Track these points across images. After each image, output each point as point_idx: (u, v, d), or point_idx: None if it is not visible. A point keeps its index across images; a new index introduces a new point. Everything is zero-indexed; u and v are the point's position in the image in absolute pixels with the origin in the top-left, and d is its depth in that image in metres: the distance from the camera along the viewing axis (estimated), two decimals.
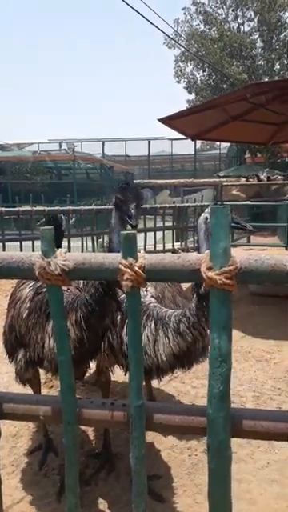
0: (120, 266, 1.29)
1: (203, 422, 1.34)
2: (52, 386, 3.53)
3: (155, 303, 2.37)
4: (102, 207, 9.48)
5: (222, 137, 9.84)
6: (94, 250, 8.59)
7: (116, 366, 2.54)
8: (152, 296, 2.46)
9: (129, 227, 1.99)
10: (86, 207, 9.17)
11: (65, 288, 2.18)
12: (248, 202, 8.60)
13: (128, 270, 1.28)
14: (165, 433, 2.50)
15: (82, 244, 8.80)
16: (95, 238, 9.16)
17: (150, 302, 2.35)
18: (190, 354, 2.12)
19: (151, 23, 6.39)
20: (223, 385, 1.27)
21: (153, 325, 2.17)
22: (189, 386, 3.64)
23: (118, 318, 2.23)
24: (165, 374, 2.24)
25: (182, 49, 22.34)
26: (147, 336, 2.15)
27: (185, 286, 3.07)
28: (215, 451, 1.32)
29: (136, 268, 1.28)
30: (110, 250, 2.01)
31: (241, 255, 1.29)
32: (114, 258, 1.33)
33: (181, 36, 23.04)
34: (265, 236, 7.77)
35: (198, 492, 2.42)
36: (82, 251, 8.27)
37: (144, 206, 9.41)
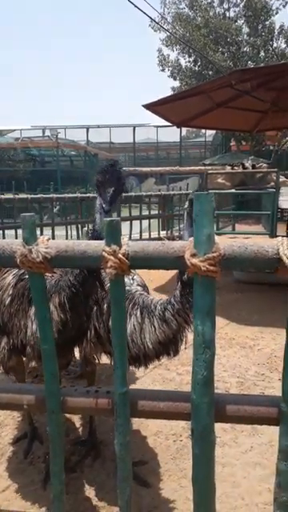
0: (103, 253, 1.29)
1: (187, 407, 1.36)
2: (37, 376, 3.52)
3: (141, 291, 2.38)
4: (87, 195, 9.38)
5: (208, 124, 9.81)
6: (78, 239, 8.53)
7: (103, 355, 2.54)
8: (138, 284, 2.46)
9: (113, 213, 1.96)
10: (71, 195, 9.06)
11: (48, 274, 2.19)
12: (233, 191, 8.65)
13: (111, 258, 1.28)
14: (150, 419, 2.53)
15: (67, 232, 8.72)
16: (80, 226, 9.08)
17: (136, 290, 2.35)
18: (175, 341, 2.14)
19: (135, 5, 6.23)
20: (207, 371, 1.28)
21: (138, 313, 2.18)
22: (174, 373, 3.68)
23: (105, 306, 2.23)
24: (151, 361, 2.25)
25: (167, 33, 22.04)
26: (133, 324, 2.16)
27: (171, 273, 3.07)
28: (199, 436, 1.34)
29: (120, 255, 1.28)
30: (94, 236, 1.98)
31: (224, 242, 1.29)
32: (98, 246, 1.32)
33: (166, 19, 22.71)
34: (249, 224, 7.84)
35: (183, 476, 2.47)
36: (67, 240, 8.19)
37: (128, 193, 9.40)
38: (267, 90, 7.37)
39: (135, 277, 2.53)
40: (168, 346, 2.15)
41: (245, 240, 1.41)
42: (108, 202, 1.91)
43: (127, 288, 2.27)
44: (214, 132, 25.06)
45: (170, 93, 23.46)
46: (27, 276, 2.08)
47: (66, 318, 1.96)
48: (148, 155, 30.57)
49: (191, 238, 1.29)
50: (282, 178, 8.17)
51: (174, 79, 24.81)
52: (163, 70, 24.86)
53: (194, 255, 1.24)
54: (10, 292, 2.21)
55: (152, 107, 7.60)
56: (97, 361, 2.64)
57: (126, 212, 9.44)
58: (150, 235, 9.36)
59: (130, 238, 8.37)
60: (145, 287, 2.56)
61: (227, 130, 14.87)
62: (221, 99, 7.62)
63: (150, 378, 3.59)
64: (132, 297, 2.26)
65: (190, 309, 1.95)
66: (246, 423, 1.53)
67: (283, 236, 2.22)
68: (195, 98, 7.34)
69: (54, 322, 1.92)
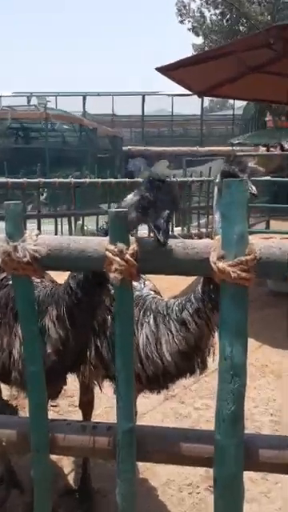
0: (107, 252, 1.29)
1: (209, 450, 1.36)
2: (17, 406, 3.54)
3: (154, 295, 2.39)
4: (83, 180, 9.42)
5: (237, 93, 9.81)
6: (70, 236, 8.56)
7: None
8: (151, 289, 2.49)
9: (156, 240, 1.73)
10: (62, 180, 9.11)
11: (37, 280, 2.19)
12: (268, 178, 8.63)
13: (117, 259, 1.28)
14: (160, 464, 2.53)
15: (56, 227, 8.77)
16: (73, 219, 9.12)
17: (147, 294, 2.36)
18: (198, 350, 2.15)
19: None
20: (235, 404, 1.28)
21: (151, 320, 2.20)
22: (190, 407, 3.67)
23: (109, 318, 2.25)
24: (173, 381, 2.26)
25: None
26: (146, 335, 2.17)
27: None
28: (223, 488, 1.34)
29: (127, 256, 1.28)
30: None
31: (260, 243, 1.30)
32: (100, 243, 1.33)
33: None
34: None
35: None
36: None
37: (134, 178, 9.34)
38: None
39: (146, 282, 2.55)
40: (191, 358, 2.16)
41: (283, 241, 1.41)
42: (165, 231, 1.59)
43: (137, 293, 2.29)
44: (244, 103, 25.00)
45: (190, 53, 23.51)
46: (10, 282, 2.10)
47: (67, 335, 1.96)
48: (160, 131, 30.64)
49: (218, 236, 1.29)
50: None
51: (197, 35, 24.82)
52: (182, 22, 24.86)
53: (221, 258, 1.24)
54: None
55: (168, 71, 7.64)
56: (98, 387, 2.64)
57: None
58: None
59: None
60: (158, 295, 2.57)
61: (262, 100, 14.82)
62: (255, 62, 7.62)
63: (160, 413, 3.59)
64: (143, 302, 2.27)
65: (213, 309, 1.96)
66: (283, 473, 1.52)
67: None
68: (222, 61, 7.35)
69: (52, 340, 1.92)
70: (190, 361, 2.16)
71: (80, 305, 1.87)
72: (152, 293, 2.42)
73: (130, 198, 1.76)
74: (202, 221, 10.41)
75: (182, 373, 2.20)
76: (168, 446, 1.44)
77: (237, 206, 1.24)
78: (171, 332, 2.12)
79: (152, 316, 2.20)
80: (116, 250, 1.29)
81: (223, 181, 1.30)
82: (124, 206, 1.75)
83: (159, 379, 2.20)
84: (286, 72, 8.05)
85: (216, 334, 2.02)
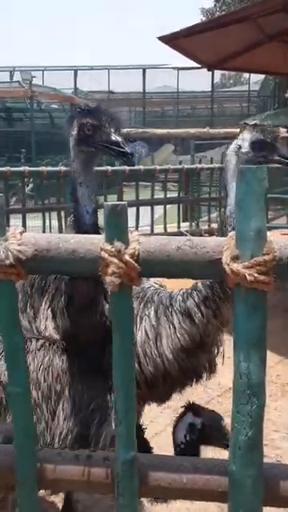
0: (102, 253, 1.29)
1: (223, 483, 1.36)
2: None
3: (158, 287, 2.42)
4: None
5: (253, 66, 9.82)
6: (60, 233, 8.57)
7: None
8: (155, 282, 2.52)
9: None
10: (50, 168, 9.11)
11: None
12: None
13: (114, 260, 1.28)
14: (165, 499, 2.53)
15: (44, 223, 8.78)
16: (63, 214, 9.12)
17: (150, 286, 2.39)
18: (204, 348, 2.15)
19: None
20: (253, 429, 1.28)
21: (152, 312, 2.21)
22: None
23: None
24: (176, 385, 2.26)
25: None
26: (145, 330, 2.18)
27: None
28: None
29: (126, 257, 1.28)
30: (78, 224, 2.05)
31: (280, 241, 1.30)
32: (94, 243, 1.33)
33: None
34: None
35: None
36: (44, 232, 8.24)
37: (135, 166, 9.37)
38: None
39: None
40: (196, 356, 2.16)
41: None
42: (122, 142, 2.02)
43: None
44: (262, 77, 25.02)
45: (198, 19, 23.45)
46: None
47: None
48: (164, 111, 30.67)
49: (232, 233, 1.29)
50: None
51: None
52: None
53: (235, 258, 1.24)
54: None
55: (173, 41, 7.63)
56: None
57: (132, 194, 9.44)
58: (165, 228, 9.37)
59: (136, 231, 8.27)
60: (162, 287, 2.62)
61: (283, 74, 14.81)
62: (275, 29, 7.62)
63: (163, 439, 3.59)
64: (144, 294, 2.29)
65: (225, 300, 1.97)
66: None
67: None
68: (236, 27, 7.35)
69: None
70: (194, 360, 2.16)
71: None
72: (155, 285, 2.44)
73: None
74: (214, 214, 10.39)
75: (186, 375, 2.20)
76: (176, 478, 1.44)
77: (253, 196, 1.24)
78: (173, 325, 2.13)
79: (153, 308, 2.20)
80: (113, 249, 1.28)
81: (239, 168, 1.30)
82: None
83: (159, 383, 2.19)
84: None
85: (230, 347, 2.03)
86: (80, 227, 2.05)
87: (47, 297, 2.30)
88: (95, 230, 2.03)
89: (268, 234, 1.27)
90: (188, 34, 7.44)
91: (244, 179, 1.24)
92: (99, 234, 2.07)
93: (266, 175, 1.27)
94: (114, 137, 2.01)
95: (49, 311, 2.27)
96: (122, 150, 2.00)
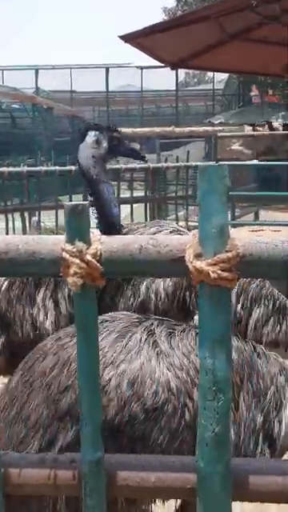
0: (64, 253, 1.29)
1: (191, 480, 1.37)
2: None
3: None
4: (38, 168, 9.35)
5: (217, 64, 9.91)
6: (24, 234, 8.49)
7: None
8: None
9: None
10: (12, 169, 9.03)
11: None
12: (256, 162, 8.74)
13: (76, 261, 1.28)
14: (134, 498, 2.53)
15: (7, 224, 8.69)
16: (27, 215, 9.05)
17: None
18: None
19: None
20: (220, 425, 1.29)
21: None
22: None
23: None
24: None
25: None
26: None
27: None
28: None
29: (88, 257, 1.28)
30: (106, 218, 2.83)
31: (244, 237, 1.31)
32: (55, 243, 1.32)
33: None
34: (281, 210, 7.91)
35: None
36: (8, 234, 8.15)
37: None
38: None
39: None
40: None
41: (274, 233, 1.44)
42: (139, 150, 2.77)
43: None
44: (226, 76, 25.26)
45: (161, 18, 23.48)
46: None
47: None
48: (128, 110, 30.66)
49: (194, 231, 1.31)
50: None
51: None
52: None
53: (198, 256, 1.25)
54: None
55: (135, 39, 7.65)
56: None
57: None
58: None
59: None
60: None
61: (246, 73, 14.99)
62: (237, 28, 7.71)
63: None
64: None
65: None
66: (280, 502, 1.53)
67: None
68: (198, 27, 7.41)
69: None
70: None
71: None
72: None
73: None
74: (181, 213, 10.46)
75: None
76: (144, 476, 1.44)
77: (215, 194, 1.25)
78: None
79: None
80: (74, 250, 1.28)
81: (198, 167, 1.31)
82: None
83: None
84: (273, 39, 8.17)
85: None
86: (108, 220, 2.84)
87: (45, 287, 2.76)
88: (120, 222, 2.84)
89: (233, 230, 1.29)
90: (150, 32, 7.47)
91: (205, 177, 1.26)
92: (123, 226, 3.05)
93: (227, 173, 1.29)
94: (132, 145, 2.74)
95: (49, 302, 2.70)
96: (140, 154, 3.04)
